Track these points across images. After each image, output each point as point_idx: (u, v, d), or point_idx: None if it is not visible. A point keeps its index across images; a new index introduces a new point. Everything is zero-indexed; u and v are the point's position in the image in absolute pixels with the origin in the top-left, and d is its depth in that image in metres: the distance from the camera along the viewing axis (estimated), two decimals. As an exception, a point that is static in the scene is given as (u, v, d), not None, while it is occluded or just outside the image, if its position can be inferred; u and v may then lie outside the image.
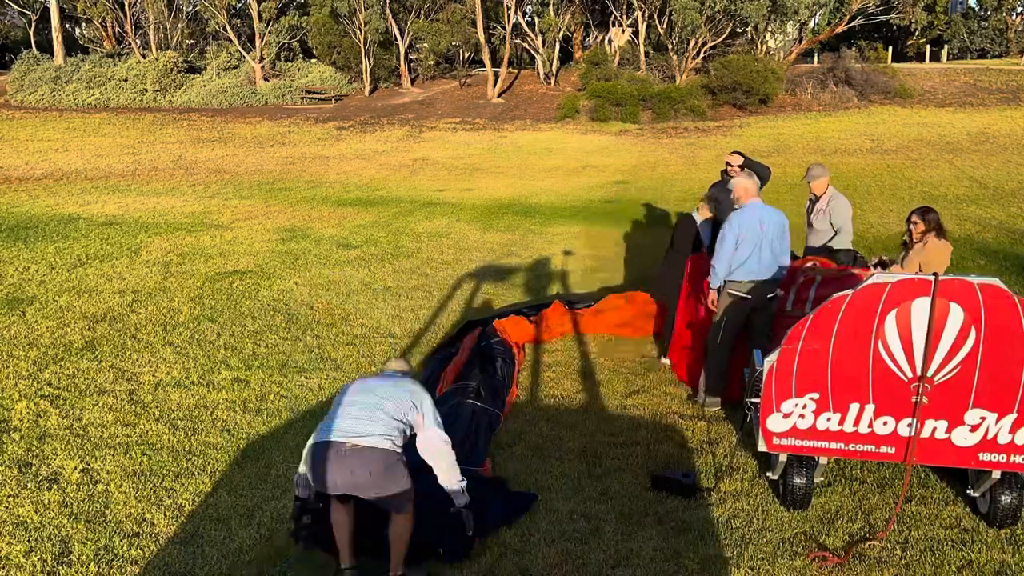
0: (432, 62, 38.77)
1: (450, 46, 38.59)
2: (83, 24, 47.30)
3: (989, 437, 4.20)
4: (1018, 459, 4.20)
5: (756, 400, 4.52)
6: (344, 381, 6.41)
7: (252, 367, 6.79)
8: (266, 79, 37.37)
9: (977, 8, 47.78)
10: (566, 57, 40.80)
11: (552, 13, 35.69)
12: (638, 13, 34.68)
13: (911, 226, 5.93)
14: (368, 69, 37.12)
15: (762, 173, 7.72)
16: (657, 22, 34.72)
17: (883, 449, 4.35)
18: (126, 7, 41.15)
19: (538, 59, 37.23)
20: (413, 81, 39.01)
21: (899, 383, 4.21)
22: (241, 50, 38.37)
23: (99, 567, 4.09)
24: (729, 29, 32.72)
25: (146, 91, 36.29)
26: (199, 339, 7.45)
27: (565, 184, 17.97)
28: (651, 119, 29.48)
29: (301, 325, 7.90)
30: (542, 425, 5.73)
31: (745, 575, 4.05)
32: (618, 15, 37.13)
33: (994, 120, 25.88)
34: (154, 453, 5.27)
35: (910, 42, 46.96)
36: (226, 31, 38.88)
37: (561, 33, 37.37)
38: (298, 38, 40.96)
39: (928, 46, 44.57)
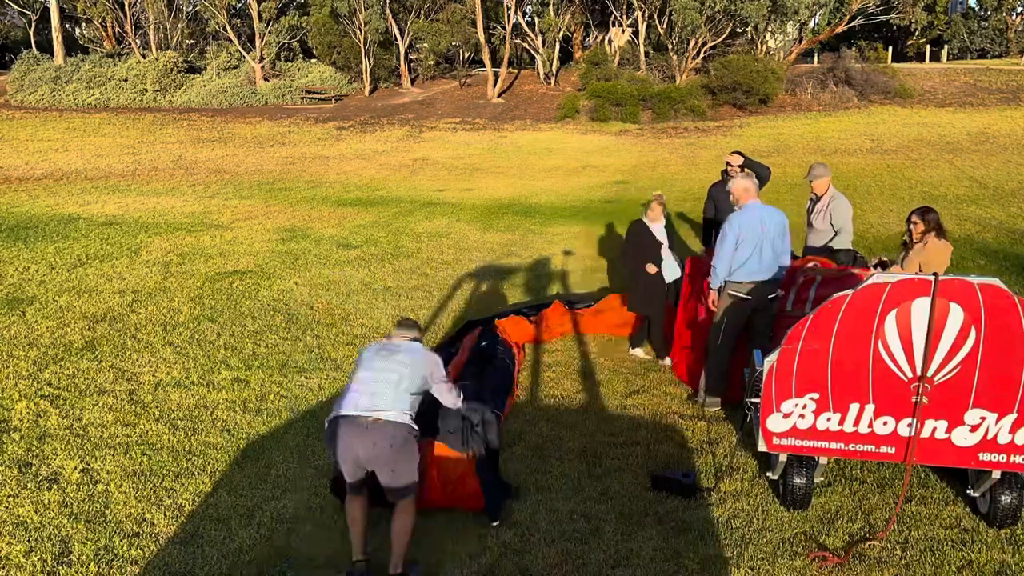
0: (432, 62, 38.78)
1: (450, 46, 38.60)
2: (83, 24, 47.32)
3: (989, 437, 4.20)
4: (1018, 459, 4.20)
5: (756, 400, 4.52)
6: (344, 381, 6.41)
7: (252, 367, 6.79)
8: (266, 79, 37.38)
9: (977, 8, 47.80)
10: (566, 57, 40.82)
11: (552, 13, 35.70)
12: (638, 13, 34.69)
13: (911, 226, 5.93)
14: (368, 69, 37.13)
15: (762, 173, 7.73)
16: (657, 22, 34.73)
17: (883, 449, 4.34)
18: (126, 7, 41.16)
19: (538, 59, 37.24)
20: (413, 81, 39.02)
21: (899, 383, 4.21)
22: (241, 50, 38.38)
23: (99, 567, 4.09)
24: (729, 29, 32.73)
25: (146, 91, 36.30)
26: (199, 339, 7.45)
27: (565, 184, 17.97)
28: (651, 119, 29.48)
29: (301, 325, 7.90)
30: (542, 425, 5.73)
31: (745, 575, 4.05)
32: (618, 15, 37.14)
33: (994, 120, 25.88)
34: (154, 453, 5.27)
35: (910, 42, 46.98)
36: (226, 31, 38.89)
37: (561, 33, 37.38)
38: (298, 38, 40.97)
39: (928, 46, 44.59)
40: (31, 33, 45.64)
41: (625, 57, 35.10)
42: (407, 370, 4.05)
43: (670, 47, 33.56)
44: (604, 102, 29.81)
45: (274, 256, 10.74)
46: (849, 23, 34.51)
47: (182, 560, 4.15)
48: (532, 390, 6.38)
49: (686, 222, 13.25)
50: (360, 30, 36.21)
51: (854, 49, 36.93)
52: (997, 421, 4.17)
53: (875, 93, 30.66)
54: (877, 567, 4.10)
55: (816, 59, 39.42)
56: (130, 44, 41.81)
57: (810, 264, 6.37)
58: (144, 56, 38.82)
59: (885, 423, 4.29)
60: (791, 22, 34.57)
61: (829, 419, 4.34)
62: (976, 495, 4.51)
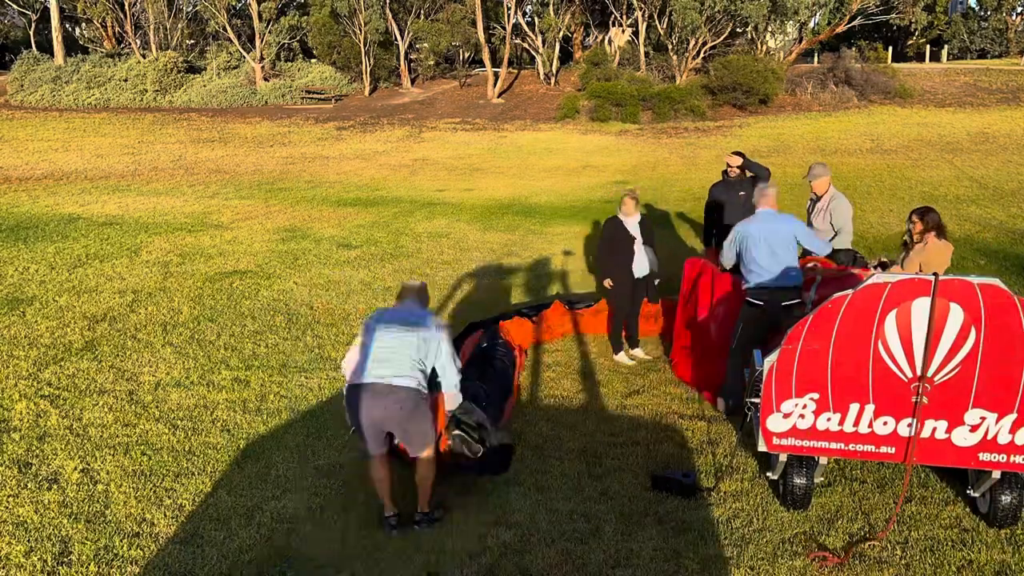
0: (432, 62, 38.77)
1: (450, 46, 38.59)
2: (83, 24, 47.31)
3: (989, 437, 4.20)
4: (1018, 459, 4.20)
5: (756, 400, 4.52)
6: (344, 381, 6.40)
7: (252, 367, 6.79)
8: (266, 79, 37.38)
9: (977, 8, 47.80)
10: (566, 57, 40.81)
11: (552, 13, 35.70)
12: (638, 13, 34.69)
13: (911, 226, 5.93)
14: (368, 69, 37.13)
15: (761, 174, 7.73)
16: (657, 22, 34.72)
17: (883, 449, 4.34)
18: (126, 7, 41.16)
19: (538, 59, 37.23)
20: (413, 81, 39.01)
21: (899, 383, 4.21)
22: (241, 50, 38.38)
23: (99, 567, 4.09)
24: (729, 29, 32.72)
25: (146, 91, 36.29)
26: (199, 339, 7.45)
27: (565, 184, 17.97)
28: (651, 119, 29.48)
29: (301, 325, 7.90)
30: (542, 425, 5.73)
31: (745, 575, 4.05)
32: (618, 15, 37.13)
33: (994, 120, 25.88)
34: (154, 453, 5.27)
35: (910, 42, 46.98)
36: (226, 31, 38.88)
37: (561, 33, 37.38)
38: (298, 38, 40.97)
39: (928, 46, 44.58)
40: (31, 33, 45.64)
41: (625, 57, 35.09)
42: (421, 342, 4.38)
43: (670, 47, 33.56)
44: (604, 102, 29.81)
45: (274, 256, 10.74)
46: (849, 23, 34.50)
47: (182, 560, 4.15)
48: (532, 390, 6.39)
49: (686, 222, 13.25)
50: (360, 30, 36.21)
51: (854, 49, 36.92)
52: (997, 421, 4.17)
53: (875, 93, 30.65)
54: (877, 567, 4.10)
55: (816, 59, 39.42)
56: (130, 44, 41.81)
57: (810, 264, 6.37)
58: (144, 56, 38.81)
59: (885, 423, 4.29)
60: (791, 22, 34.57)
61: (829, 419, 4.34)
62: (976, 495, 4.51)
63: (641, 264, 6.88)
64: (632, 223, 6.88)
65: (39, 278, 9.49)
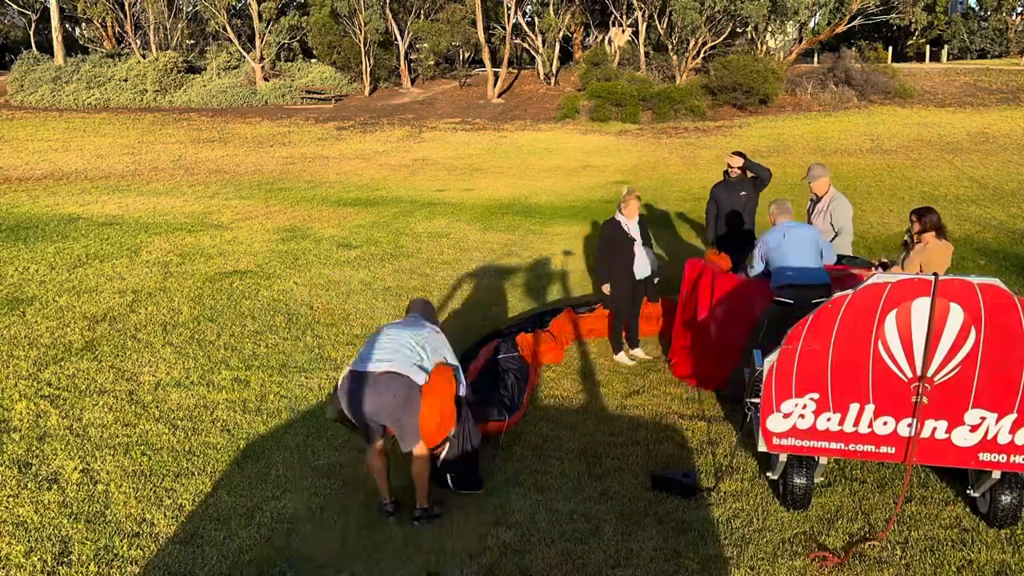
0: (432, 62, 38.77)
1: (450, 46, 38.59)
2: (83, 24, 47.31)
3: (989, 437, 4.20)
4: (1018, 459, 4.20)
5: (756, 400, 4.52)
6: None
7: (252, 367, 6.79)
8: (266, 79, 37.38)
9: (977, 8, 47.80)
10: (566, 57, 40.80)
11: (552, 13, 35.69)
12: (638, 13, 34.68)
13: (910, 225, 5.94)
14: (368, 69, 37.13)
15: (762, 175, 7.73)
16: (657, 22, 34.72)
17: (883, 449, 4.35)
18: (126, 7, 41.16)
19: (538, 59, 37.23)
20: (413, 81, 39.01)
21: (899, 383, 4.21)
22: (241, 50, 38.38)
23: (99, 567, 4.10)
24: (729, 29, 32.72)
25: (146, 91, 36.29)
26: (199, 339, 7.45)
27: (565, 184, 17.97)
28: (651, 119, 29.48)
29: (301, 325, 7.90)
30: (542, 425, 5.73)
31: (745, 575, 4.05)
32: (618, 15, 37.13)
33: (994, 120, 25.88)
34: (154, 453, 5.27)
35: (910, 42, 46.98)
36: (226, 31, 38.88)
37: (561, 33, 37.37)
38: (298, 38, 40.96)
39: (928, 46, 44.59)
40: (31, 33, 45.64)
41: (625, 57, 35.09)
42: (423, 341, 4.47)
43: (670, 47, 33.56)
44: (604, 102, 29.81)
45: (274, 256, 10.74)
46: (849, 23, 34.50)
47: (182, 560, 4.16)
48: (532, 390, 6.38)
49: (686, 222, 13.25)
50: (360, 30, 36.21)
51: (854, 49, 36.92)
52: (997, 421, 4.17)
53: (875, 93, 30.65)
54: (877, 567, 4.10)
55: (816, 59, 39.41)
56: (130, 44, 41.80)
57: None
58: (144, 56, 38.81)
59: (885, 423, 4.29)
60: (791, 22, 34.56)
61: (829, 419, 4.34)
62: (976, 495, 4.51)
63: (642, 265, 6.88)
64: (632, 224, 6.88)
65: (39, 278, 9.49)
